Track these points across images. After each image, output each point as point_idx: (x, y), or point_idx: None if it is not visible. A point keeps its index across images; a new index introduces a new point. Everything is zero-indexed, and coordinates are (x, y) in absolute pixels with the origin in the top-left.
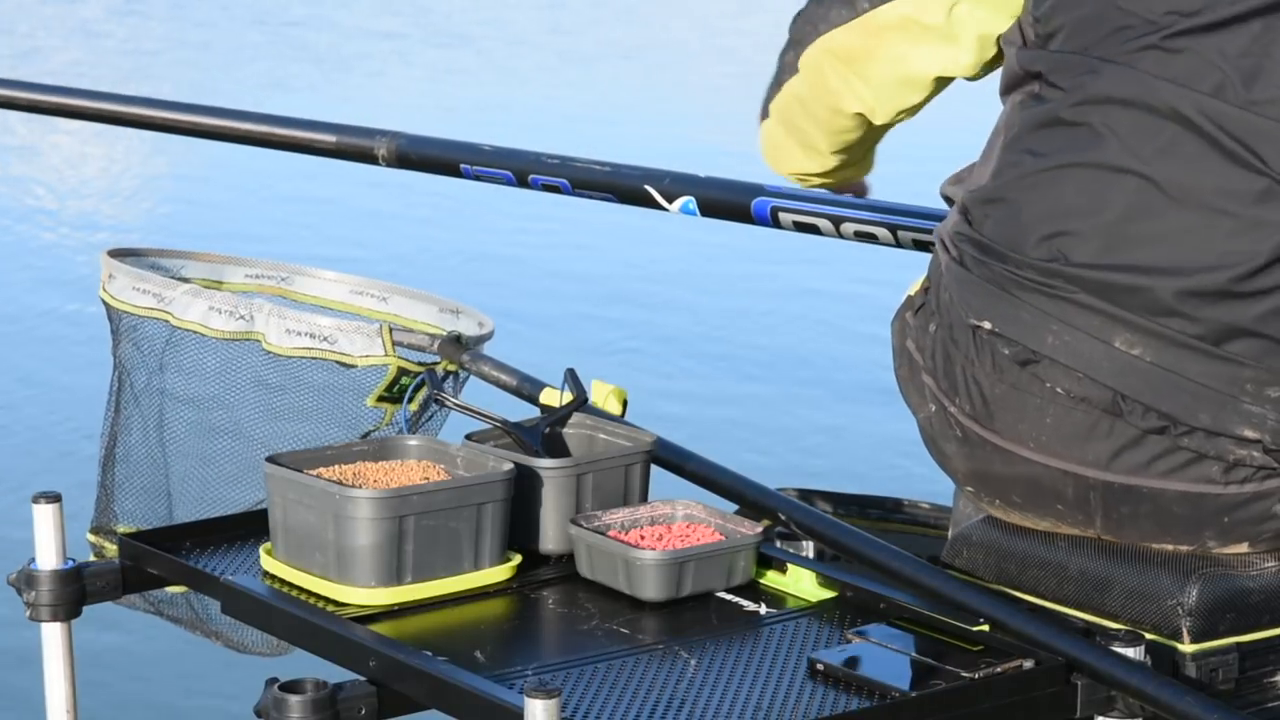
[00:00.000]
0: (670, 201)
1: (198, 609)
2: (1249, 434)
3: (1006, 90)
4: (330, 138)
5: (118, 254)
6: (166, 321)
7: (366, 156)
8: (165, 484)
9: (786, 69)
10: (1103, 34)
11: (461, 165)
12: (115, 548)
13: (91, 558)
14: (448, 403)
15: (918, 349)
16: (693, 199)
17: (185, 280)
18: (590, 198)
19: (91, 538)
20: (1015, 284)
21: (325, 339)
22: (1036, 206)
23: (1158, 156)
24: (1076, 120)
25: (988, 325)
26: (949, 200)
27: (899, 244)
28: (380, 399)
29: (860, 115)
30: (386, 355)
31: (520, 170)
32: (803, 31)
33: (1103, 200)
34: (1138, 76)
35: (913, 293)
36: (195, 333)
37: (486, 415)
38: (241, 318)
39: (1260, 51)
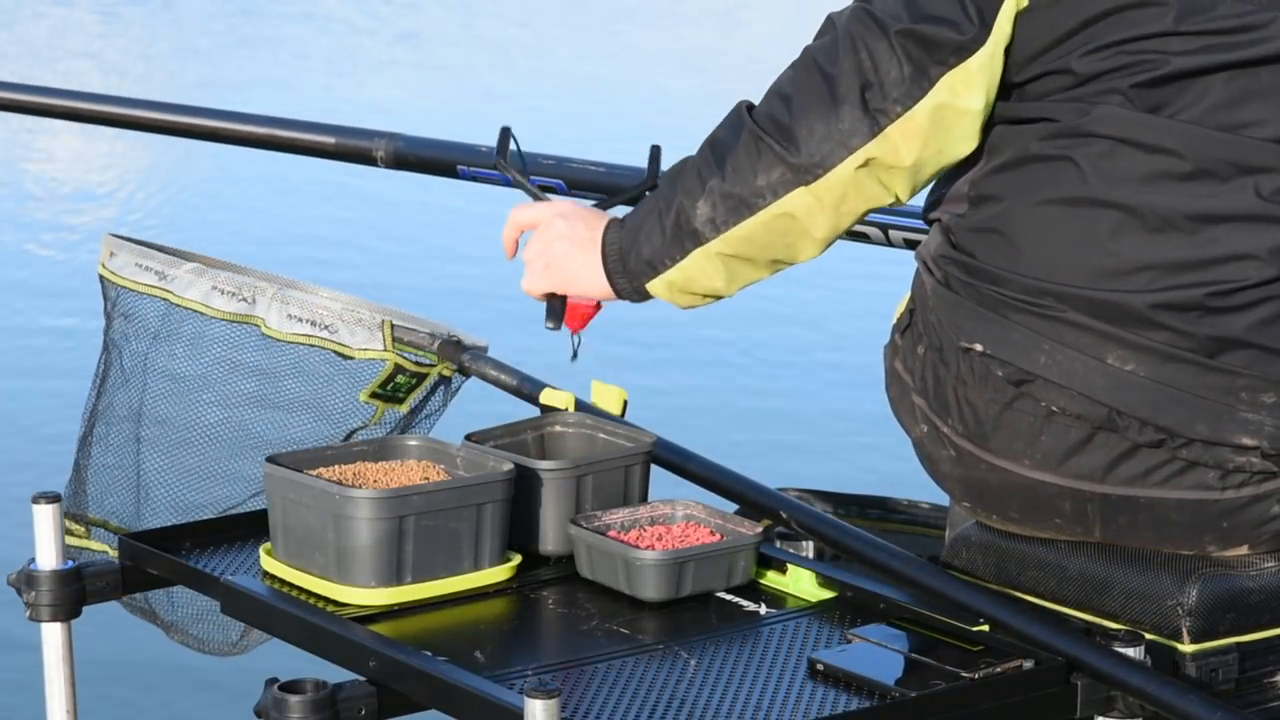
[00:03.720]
0: None
1: (153, 602)
2: (1247, 441)
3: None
4: (330, 139)
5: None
6: (166, 300)
7: (365, 158)
8: (137, 466)
9: (764, 194)
10: (1080, 78)
11: (458, 166)
12: (83, 529)
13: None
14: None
15: (906, 370)
16: None
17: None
18: (586, 198)
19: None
20: (1005, 305)
21: (326, 327)
22: (1020, 237)
23: (1140, 188)
24: (1056, 155)
25: (979, 348)
26: (928, 222)
27: (890, 243)
28: (373, 395)
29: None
30: (385, 350)
31: None
32: (820, 153)
33: (1087, 234)
34: (1115, 112)
35: (899, 314)
36: (194, 312)
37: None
38: (244, 300)
39: (1246, 77)
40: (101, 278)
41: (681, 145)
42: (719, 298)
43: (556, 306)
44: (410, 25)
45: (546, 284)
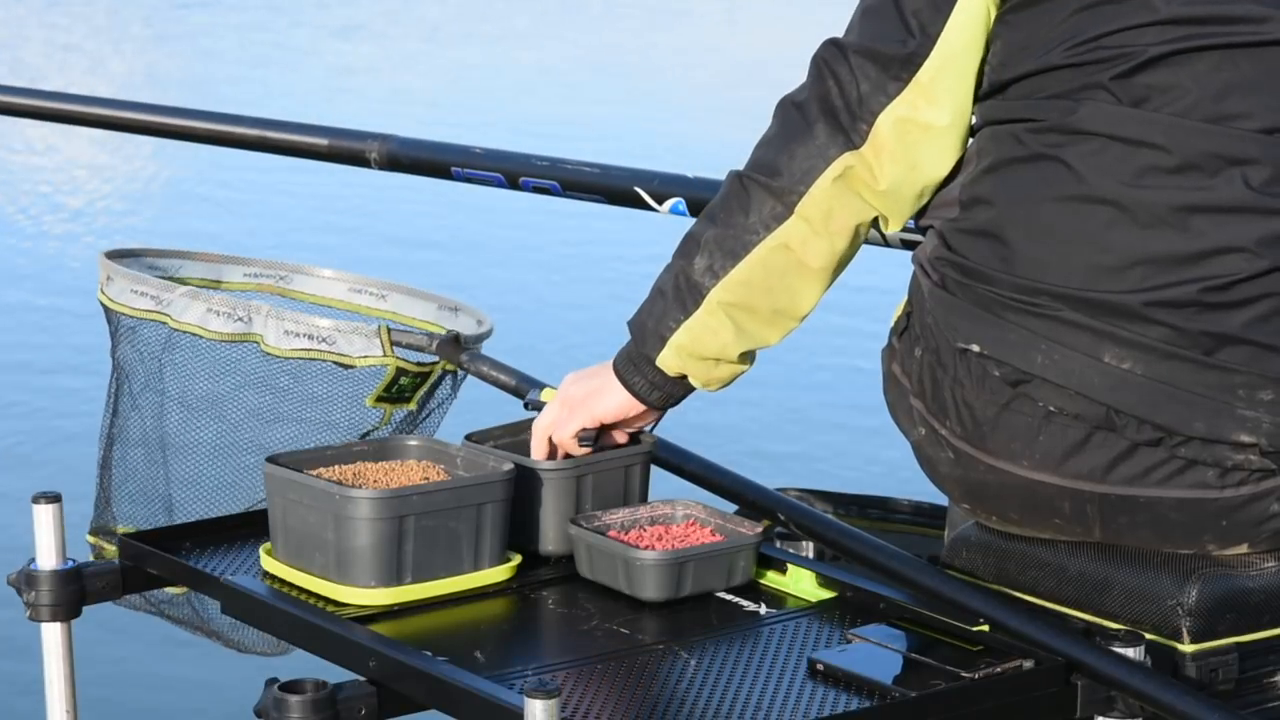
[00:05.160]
0: (660, 203)
1: (198, 609)
2: (1245, 439)
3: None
4: (323, 141)
5: (115, 255)
6: (165, 323)
7: (358, 159)
8: (165, 487)
9: (757, 229)
10: (1063, 75)
11: (452, 168)
12: (115, 548)
13: (91, 559)
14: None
15: (904, 373)
16: (682, 200)
17: (183, 281)
18: (580, 199)
19: (91, 539)
20: (1001, 305)
21: (324, 340)
22: (1014, 237)
23: (1129, 183)
24: (1045, 154)
25: (976, 348)
26: (923, 228)
27: (887, 243)
28: (379, 399)
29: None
30: (385, 355)
31: (510, 172)
32: (801, 171)
33: (1079, 232)
34: (1100, 108)
35: (896, 317)
36: (194, 334)
37: None
38: (240, 319)
39: (1229, 67)
40: (102, 303)
41: (625, 146)
42: (733, 363)
43: (586, 436)
44: (351, 18)
45: (575, 423)
